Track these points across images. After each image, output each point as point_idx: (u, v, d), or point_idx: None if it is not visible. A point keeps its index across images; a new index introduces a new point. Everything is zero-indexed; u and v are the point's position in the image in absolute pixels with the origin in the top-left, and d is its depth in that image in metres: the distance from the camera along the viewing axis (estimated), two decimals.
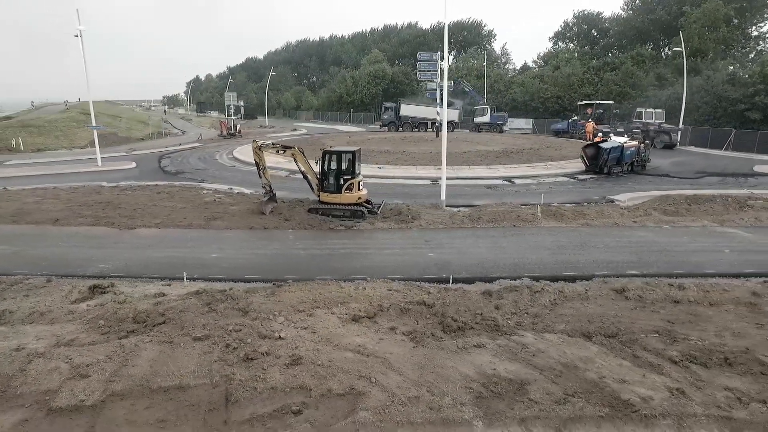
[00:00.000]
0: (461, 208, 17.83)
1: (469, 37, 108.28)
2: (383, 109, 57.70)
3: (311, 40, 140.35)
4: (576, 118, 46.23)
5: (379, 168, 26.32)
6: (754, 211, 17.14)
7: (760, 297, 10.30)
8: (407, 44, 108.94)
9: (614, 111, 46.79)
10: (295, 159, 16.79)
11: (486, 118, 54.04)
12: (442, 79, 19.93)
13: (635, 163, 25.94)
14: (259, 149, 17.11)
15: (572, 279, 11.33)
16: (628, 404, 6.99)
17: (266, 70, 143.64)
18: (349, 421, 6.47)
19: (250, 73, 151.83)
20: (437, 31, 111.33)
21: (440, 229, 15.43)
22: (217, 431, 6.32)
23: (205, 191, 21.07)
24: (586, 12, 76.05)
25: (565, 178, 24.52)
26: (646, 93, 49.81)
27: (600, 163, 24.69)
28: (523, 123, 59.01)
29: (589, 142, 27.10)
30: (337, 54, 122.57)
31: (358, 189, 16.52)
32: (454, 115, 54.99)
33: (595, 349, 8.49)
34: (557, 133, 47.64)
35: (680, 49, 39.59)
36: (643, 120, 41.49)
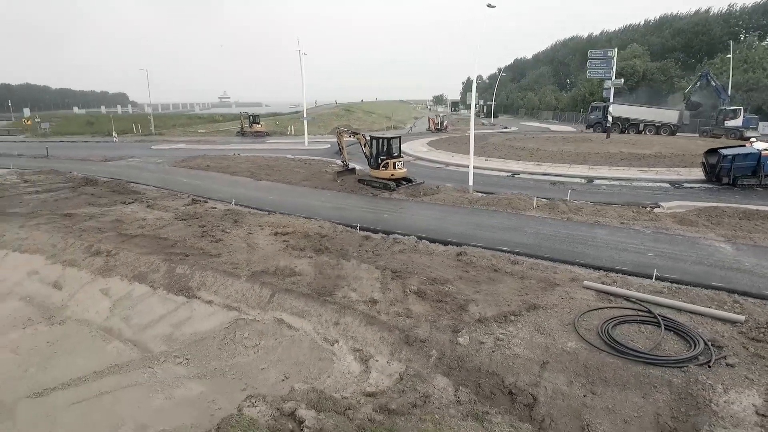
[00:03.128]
0: (482, 194, 20.13)
1: None
2: (590, 108, 54.58)
3: (579, 37, 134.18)
4: None
5: (486, 160, 28.92)
6: None
7: (577, 281, 10.95)
8: (681, 35, 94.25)
9: None
10: (359, 142, 22.53)
11: (738, 122, 44.87)
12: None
13: None
14: (339, 134, 23.55)
15: (446, 243, 13.87)
16: (337, 301, 10.72)
17: (530, 70, 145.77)
18: (208, 263, 12.51)
19: (516, 73, 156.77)
20: (728, 17, 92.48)
21: (429, 204, 18.74)
22: (162, 253, 13.34)
23: (330, 165, 28.83)
24: None
25: (665, 185, 22.01)
26: None
27: (717, 172, 21.06)
28: None
29: (712, 147, 22.66)
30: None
31: (394, 168, 21.08)
32: (673, 116, 48.31)
33: (376, 275, 11.86)
34: None
35: None
36: None
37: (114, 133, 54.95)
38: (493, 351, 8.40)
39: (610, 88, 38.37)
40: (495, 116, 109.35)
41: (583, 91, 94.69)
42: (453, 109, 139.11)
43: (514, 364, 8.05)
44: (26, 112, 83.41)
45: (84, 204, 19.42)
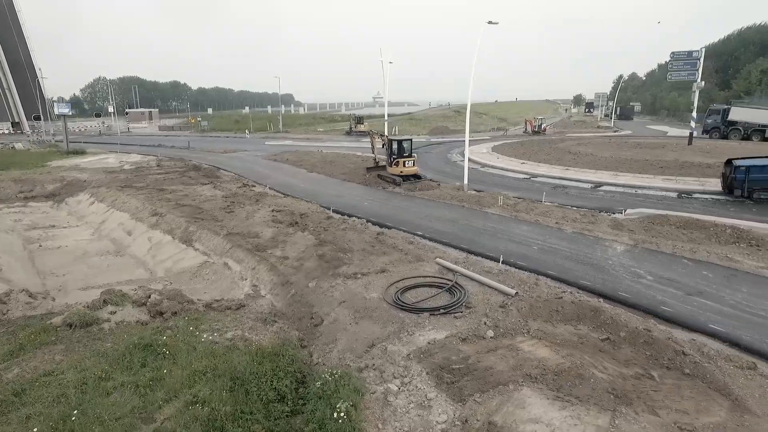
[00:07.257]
0: (475, 192, 22.46)
1: None
2: (708, 112, 48.41)
3: (756, 25, 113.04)
4: None
5: (522, 164, 30.16)
6: (736, 247, 13.84)
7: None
8: None
9: None
10: (383, 143, 26.38)
11: None
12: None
13: None
14: (371, 135, 27.68)
15: (382, 226, 17.28)
16: (263, 255, 15.20)
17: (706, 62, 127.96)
18: (208, 225, 18.04)
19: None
20: None
21: (414, 198, 21.87)
22: (189, 217, 19.29)
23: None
24: None
25: (672, 194, 21.40)
26: None
27: (729, 183, 19.90)
28: None
29: (730, 158, 20.72)
30: None
31: (403, 166, 24.50)
32: None
33: (309, 242, 15.94)
34: None
35: None
36: None
37: (247, 131, 66.55)
38: (323, 293, 12.03)
39: (695, 92, 35.09)
40: (630, 118, 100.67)
41: (737, 90, 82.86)
42: (586, 110, 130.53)
43: (325, 301, 11.61)
44: (209, 111, 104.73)
45: (177, 183, 26.87)
